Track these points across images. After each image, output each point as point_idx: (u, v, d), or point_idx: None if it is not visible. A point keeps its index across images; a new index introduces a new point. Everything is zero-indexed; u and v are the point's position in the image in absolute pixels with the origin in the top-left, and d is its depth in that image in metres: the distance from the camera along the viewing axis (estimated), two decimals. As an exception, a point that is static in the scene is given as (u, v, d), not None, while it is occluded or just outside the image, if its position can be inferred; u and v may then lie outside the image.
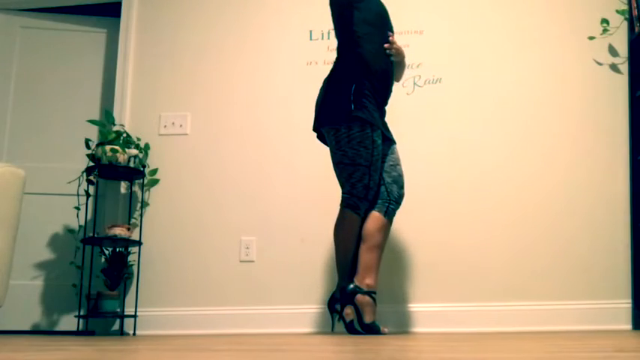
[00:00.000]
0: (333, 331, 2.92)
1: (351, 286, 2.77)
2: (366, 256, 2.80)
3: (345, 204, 2.80)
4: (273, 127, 3.64)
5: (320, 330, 3.38)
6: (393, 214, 2.90)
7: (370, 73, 2.79)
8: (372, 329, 2.77)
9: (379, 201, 2.88)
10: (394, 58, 2.90)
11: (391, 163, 2.93)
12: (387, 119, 3.54)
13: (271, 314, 3.43)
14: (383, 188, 2.88)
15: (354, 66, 2.80)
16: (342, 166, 2.78)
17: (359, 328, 2.78)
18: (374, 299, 2.79)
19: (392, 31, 2.94)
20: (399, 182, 2.92)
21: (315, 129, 2.92)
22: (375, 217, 2.84)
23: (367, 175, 2.77)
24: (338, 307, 2.79)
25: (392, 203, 2.89)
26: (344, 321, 2.75)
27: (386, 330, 2.87)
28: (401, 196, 2.93)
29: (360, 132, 2.74)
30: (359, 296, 2.76)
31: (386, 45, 2.85)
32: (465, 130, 3.48)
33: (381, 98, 2.87)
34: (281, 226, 3.52)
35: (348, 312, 2.74)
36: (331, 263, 3.43)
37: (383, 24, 2.89)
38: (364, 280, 2.79)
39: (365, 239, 2.82)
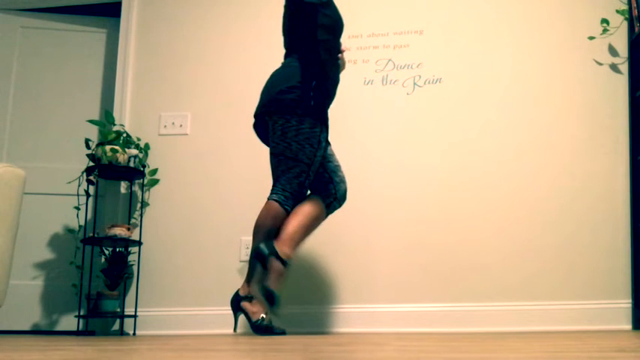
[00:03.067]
0: (235, 330, 2.81)
1: (264, 246, 2.62)
2: (294, 228, 2.68)
3: (275, 197, 2.71)
4: (273, 127, 3.64)
5: (320, 330, 3.38)
6: (333, 211, 2.89)
7: (326, 78, 2.79)
8: (269, 297, 2.60)
9: (323, 194, 2.86)
10: (340, 68, 2.95)
11: (336, 163, 2.94)
12: (386, 119, 3.56)
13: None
14: (331, 186, 2.88)
15: (314, 67, 2.77)
16: (282, 158, 2.73)
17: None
18: (285, 267, 2.64)
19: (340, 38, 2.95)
20: (344, 182, 2.94)
21: (257, 115, 2.83)
22: (316, 202, 2.79)
23: (305, 173, 2.74)
24: (242, 305, 2.70)
25: (336, 201, 2.89)
26: (248, 319, 2.68)
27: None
28: (344, 197, 2.93)
29: (309, 128, 2.72)
30: (273, 259, 2.61)
31: (340, 55, 2.89)
32: (464, 130, 3.48)
33: (329, 103, 2.87)
34: (281, 226, 3.52)
35: (255, 310, 2.67)
36: (331, 263, 3.43)
37: (338, 32, 2.90)
38: (283, 247, 2.66)
39: (298, 213, 2.72)
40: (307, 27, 2.80)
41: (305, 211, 2.74)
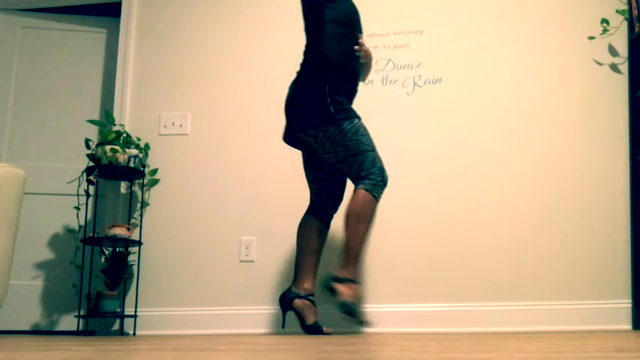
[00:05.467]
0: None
1: (291, 291, 2.87)
2: (305, 262, 2.88)
3: (361, 187, 2.71)
4: (273, 126, 3.64)
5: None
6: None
7: (339, 74, 2.78)
8: (315, 330, 2.84)
9: (316, 206, 2.96)
10: (362, 60, 2.91)
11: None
12: (386, 119, 3.56)
13: (271, 314, 3.43)
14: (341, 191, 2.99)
15: (323, 67, 2.77)
16: (350, 159, 2.74)
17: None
18: (313, 302, 2.87)
19: (361, 32, 2.94)
20: None
21: (288, 134, 2.87)
22: (311, 225, 2.91)
23: (376, 157, 2.76)
24: (334, 285, 2.74)
25: (331, 209, 2.99)
26: (338, 298, 2.70)
27: (329, 330, 2.89)
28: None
29: (350, 125, 2.74)
30: (297, 301, 2.85)
31: (356, 47, 2.85)
32: (464, 130, 3.48)
33: (349, 98, 2.87)
34: (281, 226, 3.53)
35: (347, 292, 2.66)
36: (331, 263, 3.42)
37: (353, 25, 2.88)
38: (303, 284, 2.87)
39: (305, 246, 2.89)
40: (317, 24, 2.81)
41: (306, 241, 2.91)
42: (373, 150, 2.77)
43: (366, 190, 2.71)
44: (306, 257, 2.88)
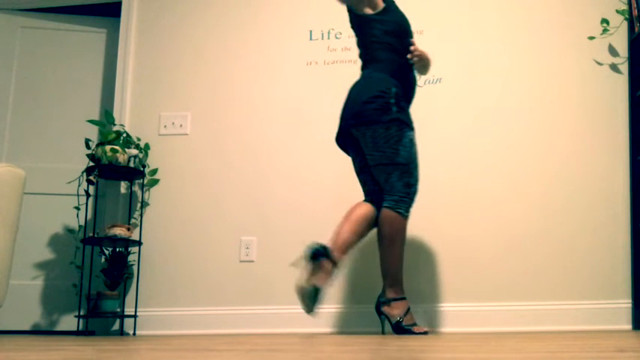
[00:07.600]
0: (383, 333, 2.95)
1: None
2: (349, 235, 2.74)
3: (386, 204, 2.75)
4: (273, 126, 3.64)
5: (319, 330, 3.38)
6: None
7: (399, 80, 2.81)
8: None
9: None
10: (417, 65, 2.92)
11: None
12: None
13: (271, 314, 3.43)
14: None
15: (389, 73, 2.80)
16: (381, 167, 2.77)
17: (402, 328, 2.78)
18: (335, 262, 2.71)
19: (412, 37, 2.95)
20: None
21: (341, 131, 2.87)
22: (367, 210, 2.83)
23: (407, 173, 2.76)
24: (382, 309, 2.81)
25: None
26: (390, 322, 2.78)
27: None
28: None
29: (398, 131, 2.75)
30: (326, 260, 2.68)
31: (408, 56, 2.86)
32: (464, 130, 3.48)
33: (408, 102, 2.90)
34: (281, 226, 3.53)
35: (394, 313, 2.76)
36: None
37: (404, 33, 2.91)
38: (335, 251, 2.71)
39: (353, 225, 2.76)
40: (370, 37, 2.85)
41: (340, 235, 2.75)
42: (407, 164, 2.76)
43: (390, 208, 2.74)
44: (350, 234, 2.73)
